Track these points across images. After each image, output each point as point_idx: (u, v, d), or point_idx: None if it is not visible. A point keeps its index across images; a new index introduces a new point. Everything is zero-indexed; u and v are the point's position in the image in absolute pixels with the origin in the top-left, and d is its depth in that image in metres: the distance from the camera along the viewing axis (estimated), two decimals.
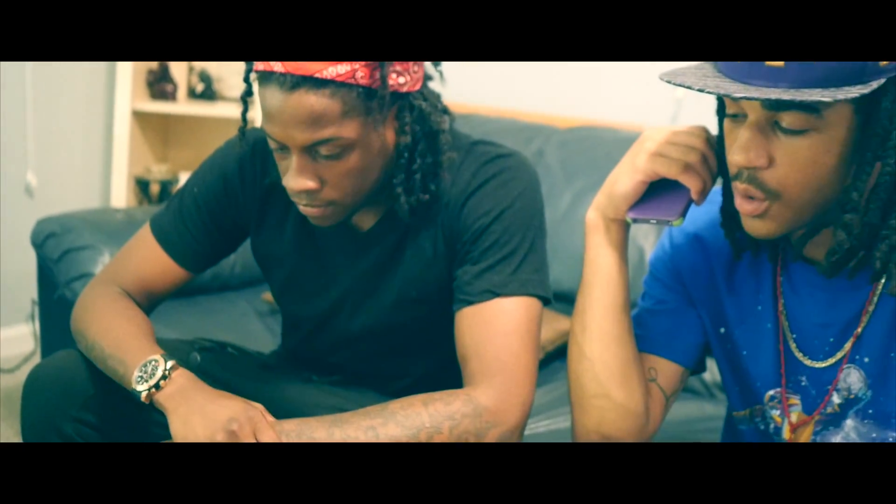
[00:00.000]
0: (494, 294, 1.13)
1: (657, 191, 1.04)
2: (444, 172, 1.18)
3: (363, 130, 1.09)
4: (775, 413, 1.09)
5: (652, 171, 1.02)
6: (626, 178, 1.04)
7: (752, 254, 1.08)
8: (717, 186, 1.08)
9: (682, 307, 1.13)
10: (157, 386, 1.08)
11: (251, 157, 1.27)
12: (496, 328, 1.12)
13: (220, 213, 1.28)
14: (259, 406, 1.07)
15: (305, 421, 1.07)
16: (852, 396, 1.02)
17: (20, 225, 2.43)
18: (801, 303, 1.04)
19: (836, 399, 1.03)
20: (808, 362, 1.05)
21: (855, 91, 0.86)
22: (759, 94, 0.87)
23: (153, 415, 1.12)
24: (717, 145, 1.02)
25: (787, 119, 0.90)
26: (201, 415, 1.03)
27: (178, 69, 2.84)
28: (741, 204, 0.96)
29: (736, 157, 0.94)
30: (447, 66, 1.23)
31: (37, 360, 2.46)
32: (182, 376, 1.09)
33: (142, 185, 2.80)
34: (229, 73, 2.83)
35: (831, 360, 1.03)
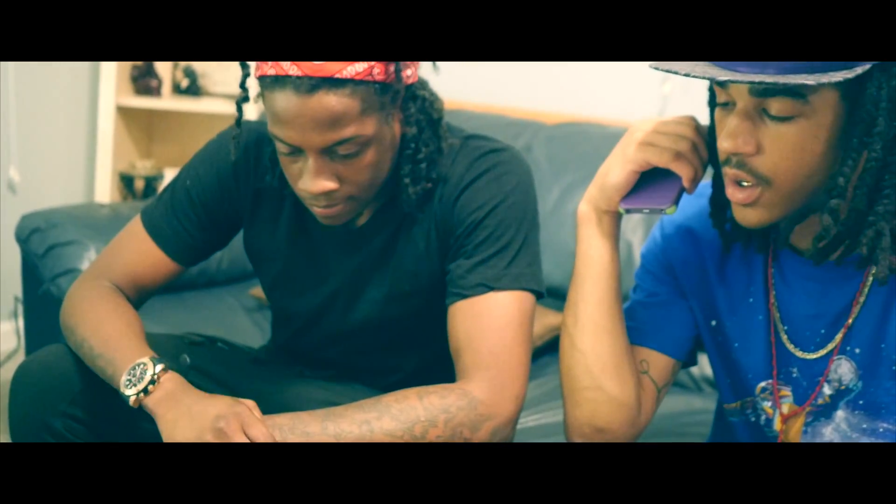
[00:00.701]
0: (488, 288, 1.13)
1: (648, 181, 1.05)
2: (443, 159, 1.19)
3: (379, 125, 1.10)
4: (766, 405, 1.09)
5: (643, 161, 1.03)
6: (617, 168, 1.04)
7: (742, 246, 1.09)
8: (708, 179, 1.09)
9: (674, 299, 1.13)
10: (145, 391, 1.07)
11: (245, 151, 1.26)
12: (490, 322, 1.12)
13: (214, 207, 1.27)
14: (248, 402, 1.06)
15: (298, 415, 1.06)
16: (843, 387, 1.03)
17: (2, 221, 2.41)
18: (793, 294, 1.05)
19: (826, 390, 1.04)
20: (799, 354, 1.05)
21: (839, 76, 0.87)
22: (744, 78, 0.88)
23: (142, 410, 1.11)
24: (708, 136, 1.03)
25: (775, 106, 0.92)
26: (189, 417, 1.03)
27: (162, 65, 2.81)
28: (732, 193, 0.97)
29: (724, 143, 0.95)
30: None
31: (20, 357, 2.43)
32: (170, 380, 1.08)
33: (126, 181, 2.78)
34: (214, 69, 2.80)
35: (822, 352, 1.04)
